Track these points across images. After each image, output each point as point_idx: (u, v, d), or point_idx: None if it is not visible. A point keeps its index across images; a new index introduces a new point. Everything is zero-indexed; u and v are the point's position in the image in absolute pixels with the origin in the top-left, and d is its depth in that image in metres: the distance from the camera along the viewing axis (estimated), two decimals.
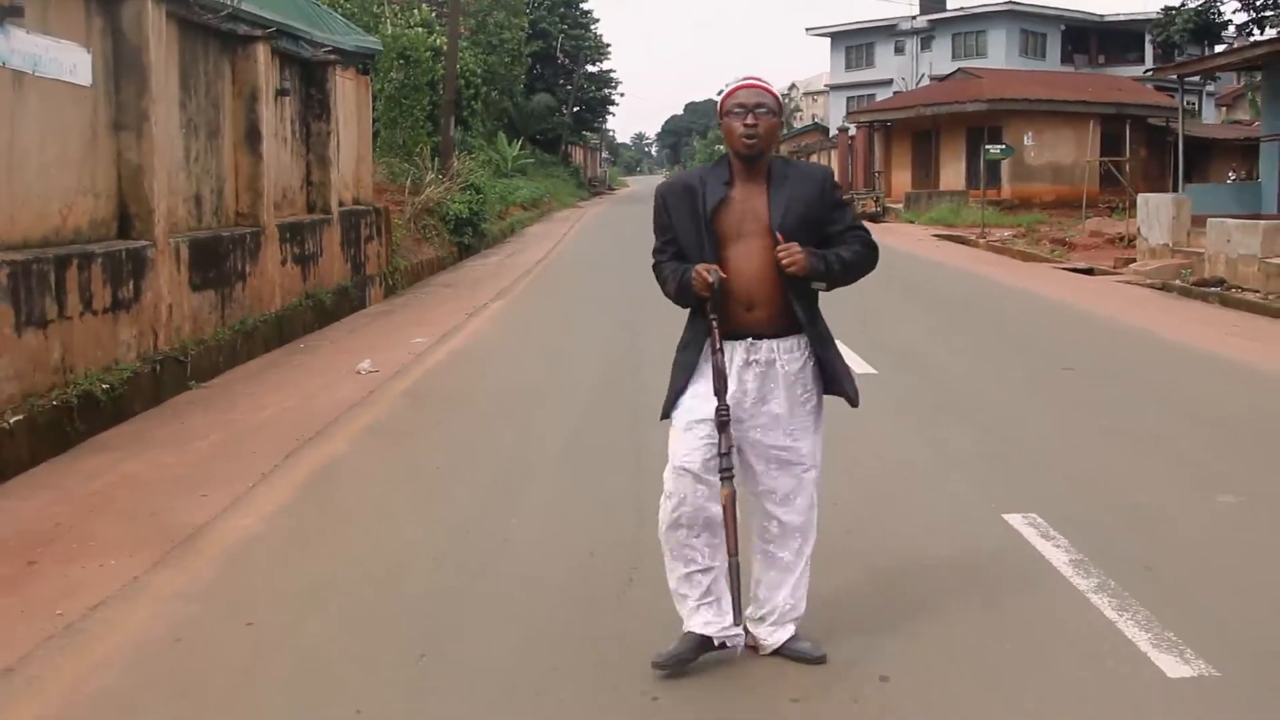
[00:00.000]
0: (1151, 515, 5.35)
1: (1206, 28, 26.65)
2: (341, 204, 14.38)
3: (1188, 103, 46.60)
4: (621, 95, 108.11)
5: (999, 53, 50.68)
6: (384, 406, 8.02)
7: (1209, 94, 49.36)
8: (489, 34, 39.00)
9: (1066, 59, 52.65)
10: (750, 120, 3.55)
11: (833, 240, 3.66)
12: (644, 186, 73.40)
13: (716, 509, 3.54)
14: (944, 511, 5.38)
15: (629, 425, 7.15)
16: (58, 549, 4.89)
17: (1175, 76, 19.71)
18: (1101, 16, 54.06)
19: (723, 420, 3.47)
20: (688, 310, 3.73)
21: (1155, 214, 18.05)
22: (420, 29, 27.22)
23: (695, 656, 3.66)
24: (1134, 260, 18.29)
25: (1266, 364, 9.61)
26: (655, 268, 3.75)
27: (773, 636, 3.74)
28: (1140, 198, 19.20)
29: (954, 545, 4.86)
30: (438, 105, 25.50)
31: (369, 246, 15.55)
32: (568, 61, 57.43)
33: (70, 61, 8.24)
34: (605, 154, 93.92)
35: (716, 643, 3.67)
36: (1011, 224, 26.60)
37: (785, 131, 71.54)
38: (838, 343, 3.79)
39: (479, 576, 4.64)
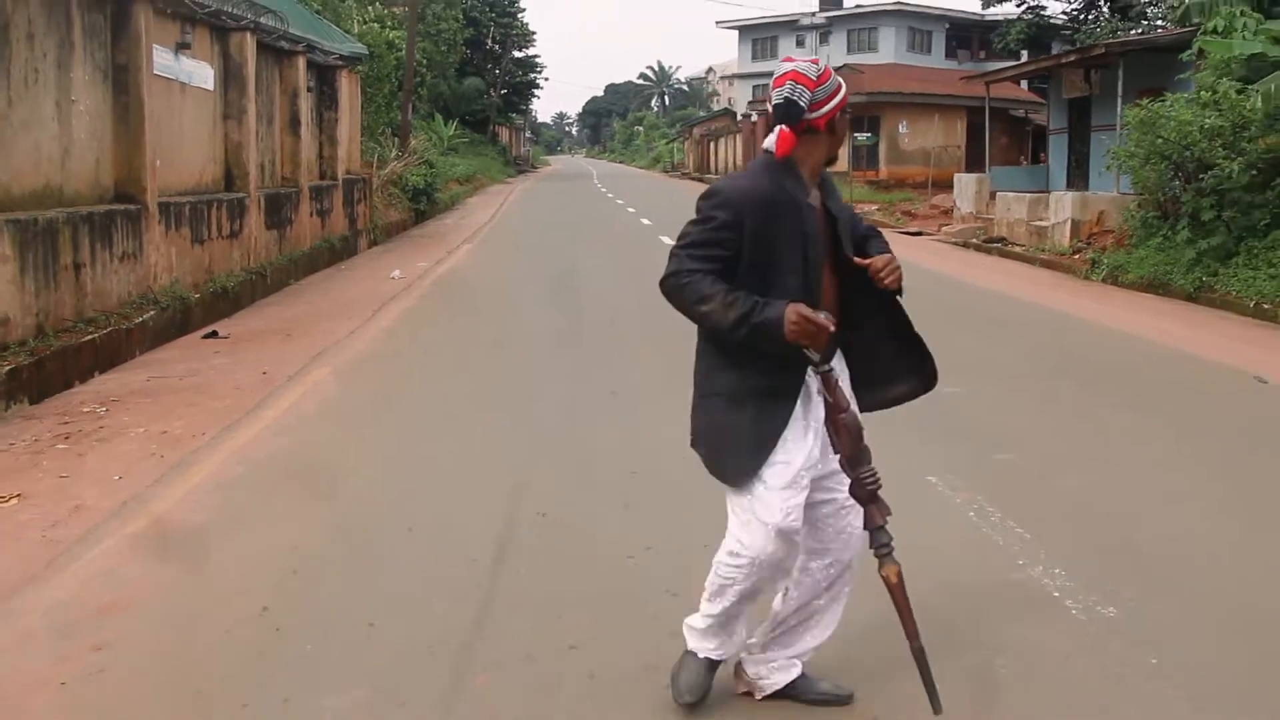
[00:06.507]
0: None
1: (1037, 37, 32.00)
2: (341, 174, 19.06)
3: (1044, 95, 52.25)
4: (546, 79, 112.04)
5: (889, 48, 55.37)
6: (423, 289, 13.08)
7: None
8: (428, 24, 43.36)
9: (950, 54, 57.38)
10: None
11: (862, 246, 3.27)
12: (565, 165, 78.70)
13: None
14: None
15: (577, 289, 12.79)
16: (297, 332, 9.78)
17: (985, 83, 24.88)
18: (982, 16, 59.39)
19: (873, 489, 3.02)
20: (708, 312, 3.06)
21: (965, 189, 23.22)
22: (375, 24, 31.42)
23: (712, 679, 3.36)
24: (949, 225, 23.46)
25: (992, 284, 14.77)
26: (691, 283, 3.03)
27: (773, 677, 3.35)
28: (956, 176, 24.37)
29: None
30: (394, 92, 29.88)
31: (359, 207, 20.21)
32: (497, 47, 61.73)
33: (204, 74, 12.88)
34: (529, 134, 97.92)
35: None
36: (882, 200, 31.38)
37: (700, 114, 75.83)
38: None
39: (506, 338, 9.68)
